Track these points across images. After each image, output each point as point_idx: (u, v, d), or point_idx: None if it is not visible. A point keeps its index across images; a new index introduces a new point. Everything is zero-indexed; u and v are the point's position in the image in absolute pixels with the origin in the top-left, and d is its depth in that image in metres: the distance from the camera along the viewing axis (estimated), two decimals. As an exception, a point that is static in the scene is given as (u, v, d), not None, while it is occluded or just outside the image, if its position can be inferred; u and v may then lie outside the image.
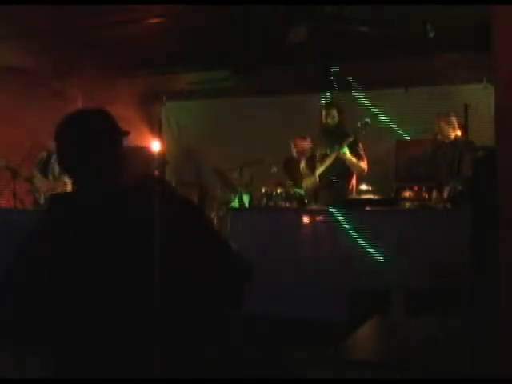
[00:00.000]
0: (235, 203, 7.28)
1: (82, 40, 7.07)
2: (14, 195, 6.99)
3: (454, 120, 6.37)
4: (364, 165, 6.37)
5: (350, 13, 6.03)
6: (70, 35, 6.88)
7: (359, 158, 6.34)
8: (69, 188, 7.30)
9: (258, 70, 7.69)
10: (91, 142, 1.88)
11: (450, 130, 6.34)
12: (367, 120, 6.27)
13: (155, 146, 8.88)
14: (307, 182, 6.57)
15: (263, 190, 6.43)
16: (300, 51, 6.98)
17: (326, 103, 6.48)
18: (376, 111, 8.00)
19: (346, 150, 6.24)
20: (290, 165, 7.19)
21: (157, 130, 8.94)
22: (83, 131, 1.89)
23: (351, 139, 6.23)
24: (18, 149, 7.30)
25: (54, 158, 7.44)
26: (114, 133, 1.94)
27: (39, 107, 7.82)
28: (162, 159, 8.72)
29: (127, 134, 2.00)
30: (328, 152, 6.41)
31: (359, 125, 6.23)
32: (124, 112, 9.49)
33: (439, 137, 6.44)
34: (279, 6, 5.78)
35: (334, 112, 6.39)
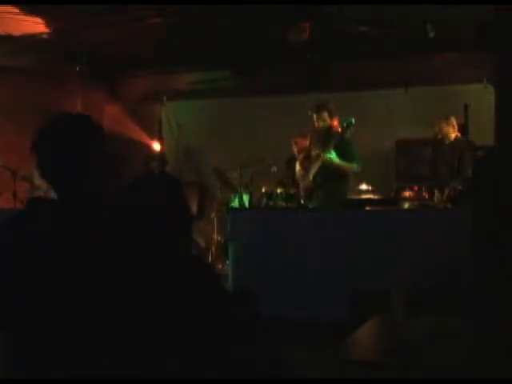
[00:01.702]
0: (235, 203, 7.28)
1: (82, 40, 7.07)
2: (13, 195, 6.99)
3: (453, 121, 6.39)
4: (354, 165, 6.21)
5: (350, 13, 6.03)
6: (70, 35, 6.89)
7: (348, 158, 6.21)
8: None
9: (258, 70, 7.69)
10: (70, 148, 1.83)
11: (451, 131, 6.35)
12: (351, 120, 6.11)
13: (155, 145, 8.89)
14: (303, 182, 6.53)
15: (263, 190, 6.42)
16: (300, 51, 6.98)
17: (317, 106, 6.38)
18: (376, 111, 8.00)
19: (333, 155, 6.13)
20: (292, 164, 7.20)
21: (157, 129, 8.96)
22: (63, 137, 1.84)
23: (333, 143, 6.12)
24: (18, 149, 7.30)
25: None
26: (95, 138, 1.89)
27: (38, 107, 7.82)
28: (162, 159, 8.75)
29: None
30: (320, 154, 6.34)
31: (344, 125, 6.13)
32: (124, 112, 9.47)
33: (439, 137, 6.46)
34: (279, 6, 5.78)
35: (325, 115, 6.30)
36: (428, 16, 6.16)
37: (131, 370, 1.74)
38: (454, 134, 6.37)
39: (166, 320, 1.79)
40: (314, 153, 6.47)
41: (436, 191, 5.86)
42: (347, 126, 6.08)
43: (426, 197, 5.82)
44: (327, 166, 6.22)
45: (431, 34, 6.25)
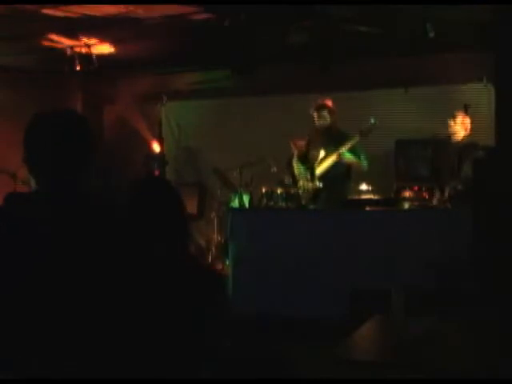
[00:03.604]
0: (235, 203, 7.27)
1: (83, 39, 7.07)
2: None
3: (462, 119, 6.34)
4: (364, 163, 6.35)
5: (350, 13, 6.03)
6: (70, 35, 6.89)
7: (359, 157, 6.33)
8: None
9: (258, 70, 7.68)
10: (58, 145, 1.83)
11: (458, 129, 6.32)
12: (373, 121, 6.23)
13: (155, 146, 8.90)
14: (306, 183, 6.50)
15: (263, 190, 6.41)
16: (300, 51, 6.98)
17: (317, 105, 6.45)
18: (375, 111, 7.99)
19: (347, 153, 6.24)
20: (291, 164, 7.19)
21: (157, 130, 8.95)
22: (52, 134, 1.84)
23: (353, 142, 6.20)
24: (18, 149, 7.29)
25: None
26: (86, 137, 1.88)
27: (38, 107, 7.81)
28: (162, 159, 8.75)
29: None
30: (323, 153, 6.39)
31: (368, 124, 6.20)
32: (124, 112, 9.45)
33: (438, 136, 6.44)
34: (279, 6, 5.77)
35: (325, 113, 6.38)
36: (428, 16, 6.16)
37: (129, 370, 1.74)
38: (462, 132, 6.32)
39: (163, 321, 1.79)
40: (314, 152, 6.48)
41: (436, 191, 5.85)
42: (371, 125, 6.19)
43: (426, 197, 5.81)
44: (337, 166, 6.27)
45: (431, 34, 6.24)
